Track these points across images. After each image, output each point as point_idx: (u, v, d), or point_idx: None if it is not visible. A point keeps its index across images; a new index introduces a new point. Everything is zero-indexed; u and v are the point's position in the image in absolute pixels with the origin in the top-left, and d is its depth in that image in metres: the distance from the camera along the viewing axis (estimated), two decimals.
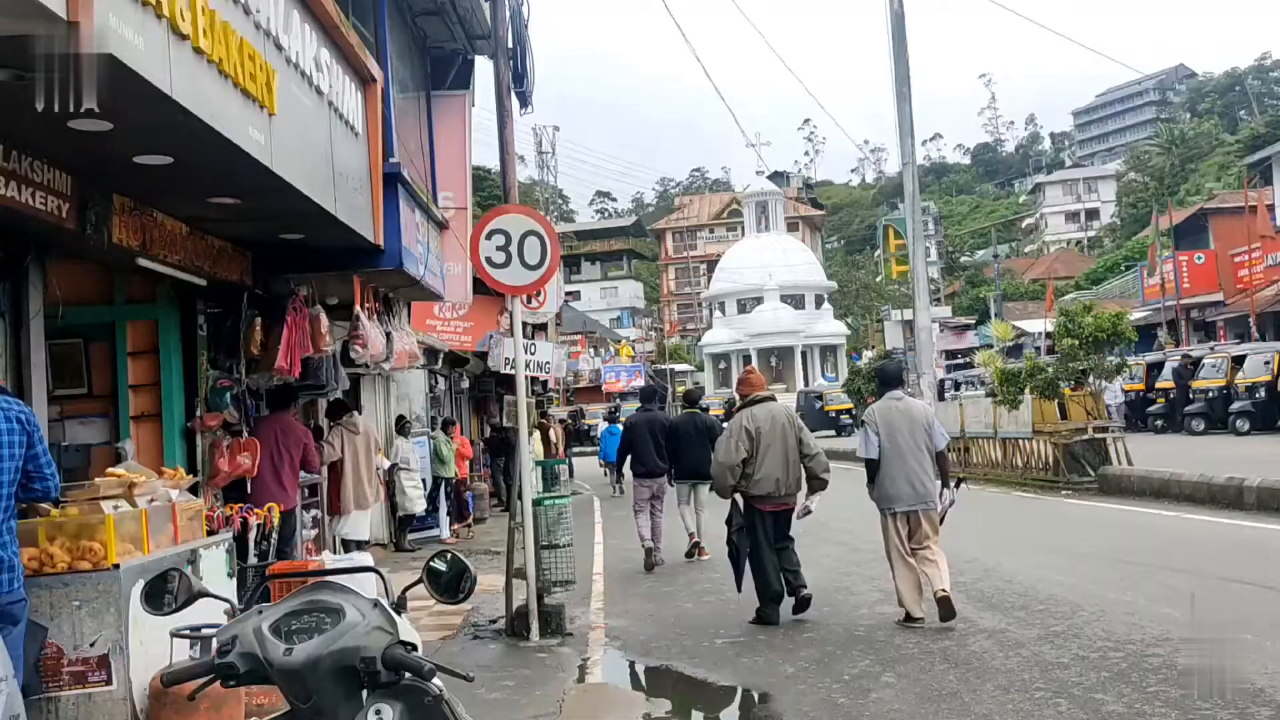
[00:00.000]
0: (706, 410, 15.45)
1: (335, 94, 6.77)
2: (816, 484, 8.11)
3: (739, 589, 8.34)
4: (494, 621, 8.47)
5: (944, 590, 7.38)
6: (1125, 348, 20.73)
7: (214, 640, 2.26)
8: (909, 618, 7.54)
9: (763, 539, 8.05)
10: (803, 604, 8.02)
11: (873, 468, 7.86)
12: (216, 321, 7.98)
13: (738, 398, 8.86)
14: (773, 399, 8.59)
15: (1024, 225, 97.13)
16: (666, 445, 11.83)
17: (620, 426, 17.34)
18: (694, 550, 11.70)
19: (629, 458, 12.67)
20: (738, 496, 8.26)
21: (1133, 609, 7.34)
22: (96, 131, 4.64)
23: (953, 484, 8.00)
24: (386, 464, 11.98)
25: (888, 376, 8.37)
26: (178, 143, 5.02)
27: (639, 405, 13.84)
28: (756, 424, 8.04)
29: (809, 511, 8.21)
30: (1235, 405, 23.67)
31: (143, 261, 6.43)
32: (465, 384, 21.35)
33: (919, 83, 25.45)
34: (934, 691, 5.79)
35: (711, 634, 7.80)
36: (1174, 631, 6.61)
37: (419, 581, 2.45)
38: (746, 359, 63.47)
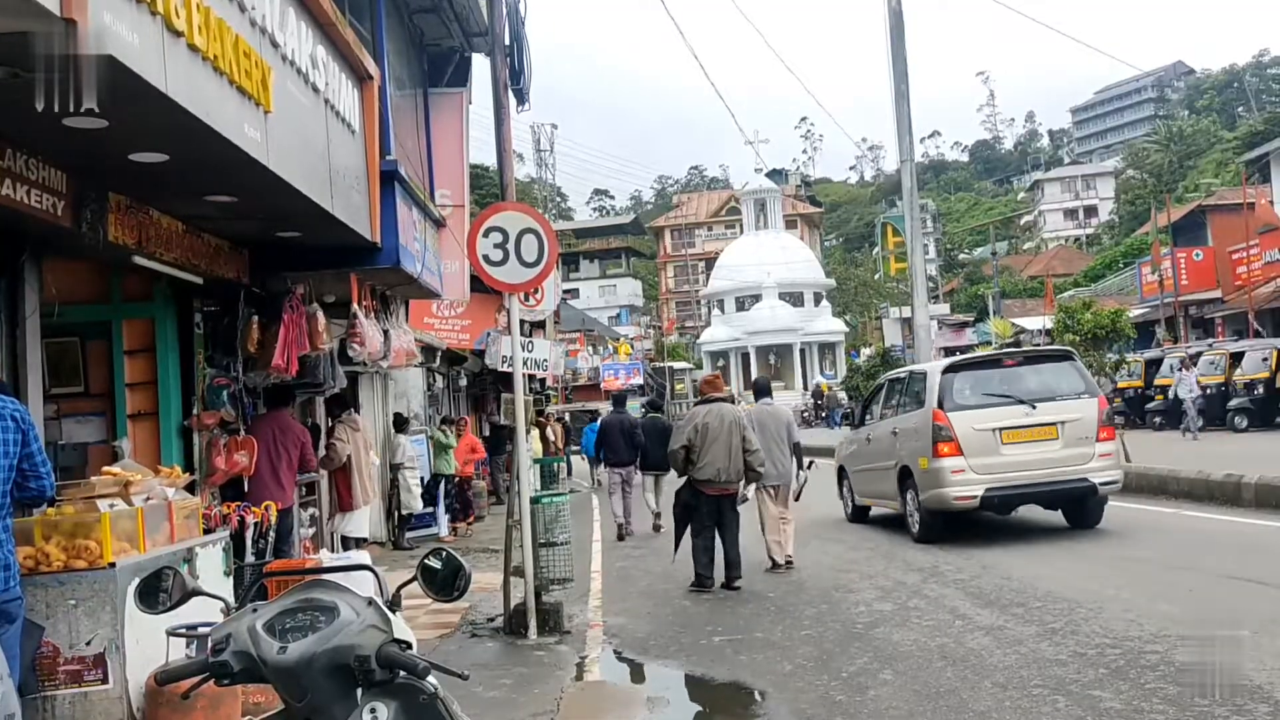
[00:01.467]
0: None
1: (332, 91, 6.75)
2: (752, 475, 9.48)
3: (675, 551, 9.82)
4: (492, 620, 8.46)
5: (790, 556, 10.10)
6: (1124, 344, 20.70)
7: (209, 639, 2.25)
8: (775, 565, 10.02)
9: (703, 516, 9.41)
10: (730, 583, 9.34)
11: None
12: (213, 320, 7.98)
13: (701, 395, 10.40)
14: (728, 400, 9.97)
15: (1022, 222, 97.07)
16: (633, 442, 14.49)
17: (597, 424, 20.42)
18: (656, 526, 13.96)
19: (603, 450, 15.08)
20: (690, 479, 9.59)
21: (1130, 606, 7.34)
22: (92, 129, 4.63)
23: (806, 465, 10.63)
24: (376, 461, 12.01)
25: (760, 388, 11.34)
26: (173, 140, 5.01)
27: (611, 408, 16.62)
28: (705, 420, 9.32)
29: (745, 499, 9.71)
30: (1233, 402, 23.59)
31: (139, 260, 6.42)
32: (464, 382, 21.34)
33: (917, 80, 25.41)
34: (932, 689, 5.79)
35: (709, 631, 7.80)
36: (1172, 628, 6.60)
37: (413, 579, 2.44)
38: (745, 357, 63.54)
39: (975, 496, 10.60)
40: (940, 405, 10.85)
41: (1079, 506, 11.03)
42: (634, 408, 23.85)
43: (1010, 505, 11.17)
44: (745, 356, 64.21)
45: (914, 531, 11.14)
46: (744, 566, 9.44)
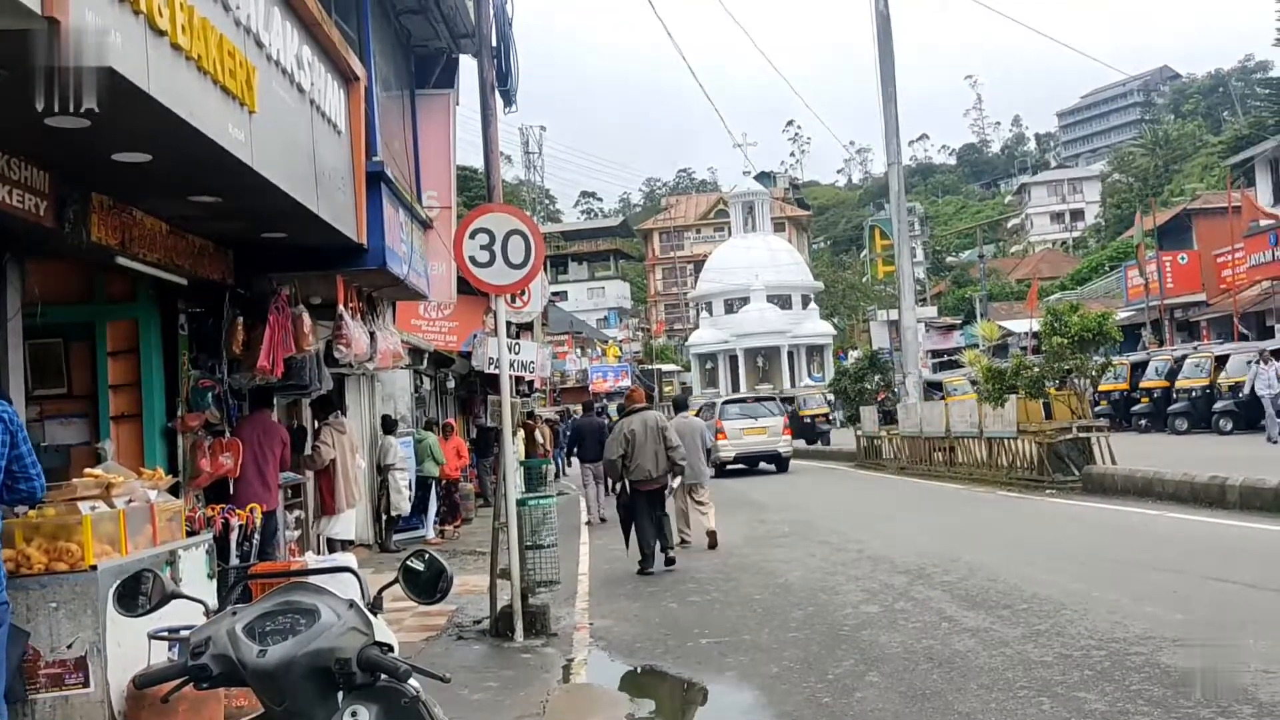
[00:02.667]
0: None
1: (317, 92, 6.73)
2: (676, 469, 10.92)
3: (626, 546, 11.02)
4: (478, 622, 8.43)
5: (713, 529, 11.98)
6: (1110, 348, 20.73)
7: (189, 642, 2.23)
8: (683, 542, 11.97)
9: (641, 510, 10.75)
10: (669, 562, 10.79)
11: None
12: (198, 321, 7.93)
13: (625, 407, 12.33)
14: (648, 408, 11.48)
15: (1009, 226, 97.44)
16: (600, 440, 15.65)
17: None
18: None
19: (577, 449, 17.61)
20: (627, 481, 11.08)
21: (1116, 607, 7.36)
22: (74, 129, 4.59)
23: (712, 467, 14.15)
24: (363, 464, 11.96)
25: (680, 403, 14.38)
26: (156, 140, 4.98)
27: (582, 413, 19.97)
28: (632, 429, 10.75)
29: (673, 490, 11.36)
30: (1218, 404, 23.67)
31: (122, 260, 6.38)
32: (451, 384, 21.28)
33: (905, 83, 25.62)
34: (918, 691, 5.79)
35: (696, 634, 7.79)
36: (1157, 630, 6.62)
37: (395, 582, 2.42)
38: (733, 359, 63.52)
39: (732, 457, 23.61)
40: (719, 416, 24.13)
41: (775, 461, 24.35)
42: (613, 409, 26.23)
43: (747, 461, 24.05)
44: (733, 359, 64.14)
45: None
46: (738, 566, 10.33)
